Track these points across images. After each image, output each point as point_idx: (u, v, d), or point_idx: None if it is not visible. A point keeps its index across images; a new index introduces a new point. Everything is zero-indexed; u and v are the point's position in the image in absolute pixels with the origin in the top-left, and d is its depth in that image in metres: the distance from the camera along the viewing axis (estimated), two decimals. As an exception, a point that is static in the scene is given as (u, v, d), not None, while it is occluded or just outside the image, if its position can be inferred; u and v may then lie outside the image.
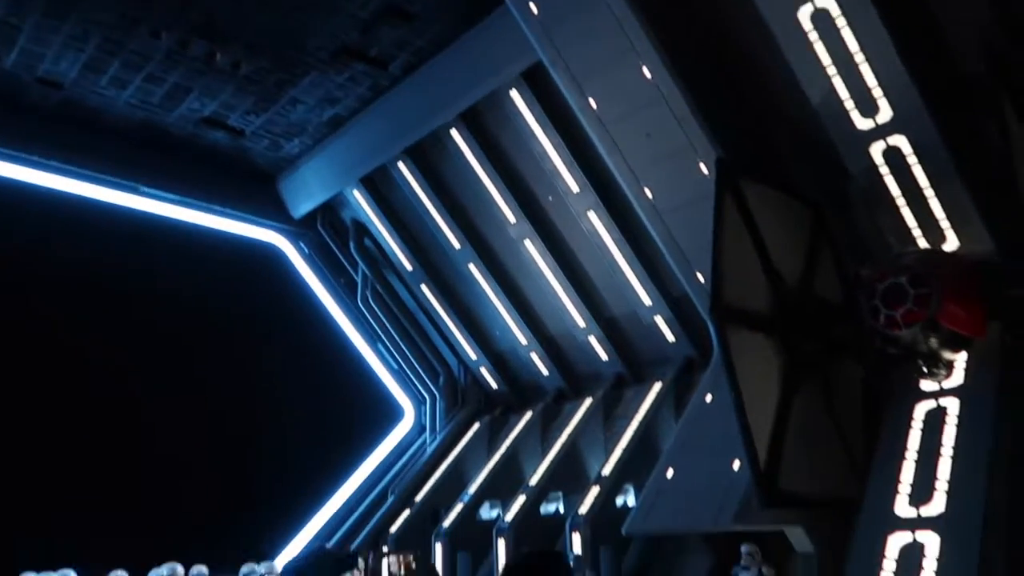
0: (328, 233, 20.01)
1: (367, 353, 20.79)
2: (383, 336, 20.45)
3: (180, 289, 16.77)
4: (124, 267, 16.08)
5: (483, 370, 19.70)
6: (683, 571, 12.71)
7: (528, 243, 16.70)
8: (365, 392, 20.30)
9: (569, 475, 15.67)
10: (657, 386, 15.97)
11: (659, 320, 15.95)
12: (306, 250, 20.44)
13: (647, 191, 13.14)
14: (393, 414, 20.73)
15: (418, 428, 20.66)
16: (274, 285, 19.45)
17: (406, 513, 17.39)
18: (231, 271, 18.02)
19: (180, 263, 17.10)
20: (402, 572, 12.89)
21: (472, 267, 17.89)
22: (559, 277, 16.75)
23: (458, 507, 16.41)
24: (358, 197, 18.78)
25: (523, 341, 18.27)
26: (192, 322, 16.75)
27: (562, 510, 15.48)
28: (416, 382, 20.66)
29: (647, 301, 15.81)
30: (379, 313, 19.97)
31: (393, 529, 16.93)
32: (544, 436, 17.40)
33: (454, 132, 16.37)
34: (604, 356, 17.18)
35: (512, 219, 16.58)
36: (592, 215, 15.45)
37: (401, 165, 17.52)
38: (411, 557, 13.13)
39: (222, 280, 17.54)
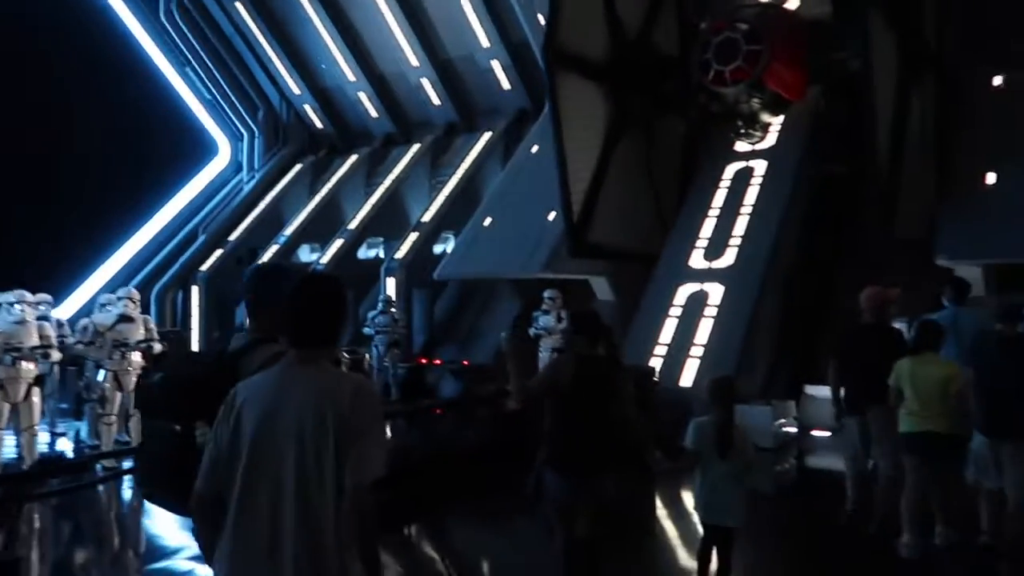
0: (119, -74, 16.75)
1: (174, 79, 18.47)
2: (193, 60, 18.13)
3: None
4: None
5: (307, 107, 18.22)
6: (491, 316, 13.10)
7: (358, -38, 14.79)
8: (172, 123, 18.25)
9: (390, 221, 15.32)
10: (487, 136, 15.50)
11: (496, 66, 15.06)
12: (92, -55, 17.09)
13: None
14: (206, 149, 19.04)
15: (234, 166, 19.23)
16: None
17: (218, 253, 16.58)
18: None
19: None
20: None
21: (295, -14, 15.76)
22: (392, 7, 15.13)
23: (274, 248, 15.82)
24: None
25: (351, 78, 16.83)
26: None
27: (381, 255, 15.30)
28: (232, 116, 18.86)
29: (485, 43, 14.76)
30: (187, 33, 17.50)
31: (204, 268, 16.17)
32: (368, 180, 16.74)
33: None
34: (436, 101, 16.26)
35: (340, -70, 14.46)
36: (431, -66, 13.73)
37: None
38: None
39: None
